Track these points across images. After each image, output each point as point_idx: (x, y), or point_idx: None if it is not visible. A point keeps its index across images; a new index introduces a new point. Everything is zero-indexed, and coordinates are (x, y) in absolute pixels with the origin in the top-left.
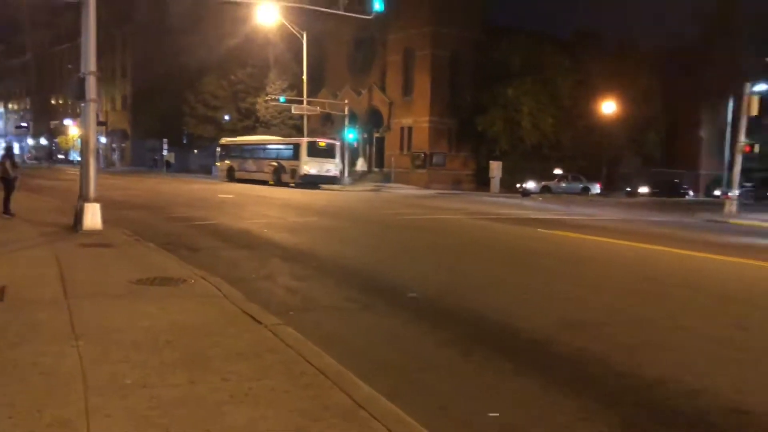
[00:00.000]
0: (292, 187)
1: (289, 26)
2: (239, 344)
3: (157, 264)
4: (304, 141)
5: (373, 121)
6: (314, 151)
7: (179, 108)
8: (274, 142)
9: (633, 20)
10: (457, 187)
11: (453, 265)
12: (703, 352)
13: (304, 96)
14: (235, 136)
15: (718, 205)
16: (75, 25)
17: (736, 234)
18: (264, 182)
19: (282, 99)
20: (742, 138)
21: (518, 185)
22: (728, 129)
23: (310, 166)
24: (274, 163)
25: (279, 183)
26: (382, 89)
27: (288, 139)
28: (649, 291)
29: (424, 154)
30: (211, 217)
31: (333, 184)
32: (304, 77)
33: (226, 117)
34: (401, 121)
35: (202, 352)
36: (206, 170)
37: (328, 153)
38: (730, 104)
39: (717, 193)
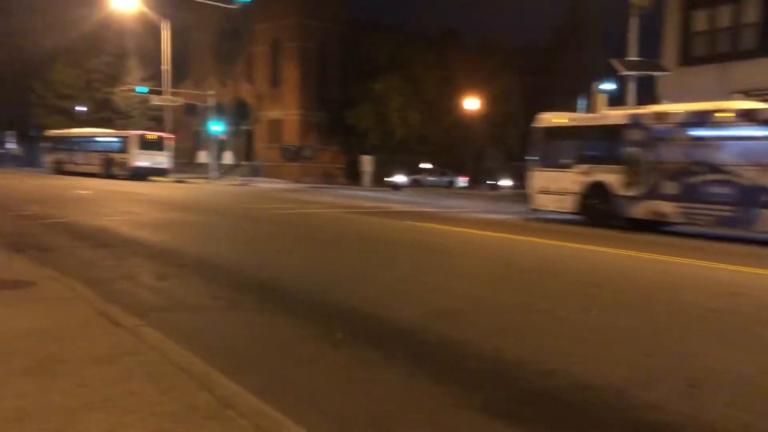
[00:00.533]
0: (121, 179)
1: (149, 13)
2: (96, 348)
3: (3, 266)
4: (134, 134)
5: (240, 113)
6: (144, 144)
7: (25, 97)
8: (103, 135)
9: (494, 20)
10: (329, 181)
11: (323, 258)
12: (557, 334)
13: (167, 86)
14: (90, 127)
15: None
16: None
17: (582, 225)
18: (93, 174)
19: (139, 89)
20: None
21: (387, 179)
22: None
23: (140, 159)
24: (104, 156)
25: (109, 175)
26: (250, 81)
27: (118, 132)
28: (510, 278)
29: (294, 147)
30: (65, 214)
31: (162, 176)
32: (166, 67)
33: (80, 108)
34: (269, 113)
35: (53, 359)
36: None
37: (158, 146)
38: (582, 102)
39: None
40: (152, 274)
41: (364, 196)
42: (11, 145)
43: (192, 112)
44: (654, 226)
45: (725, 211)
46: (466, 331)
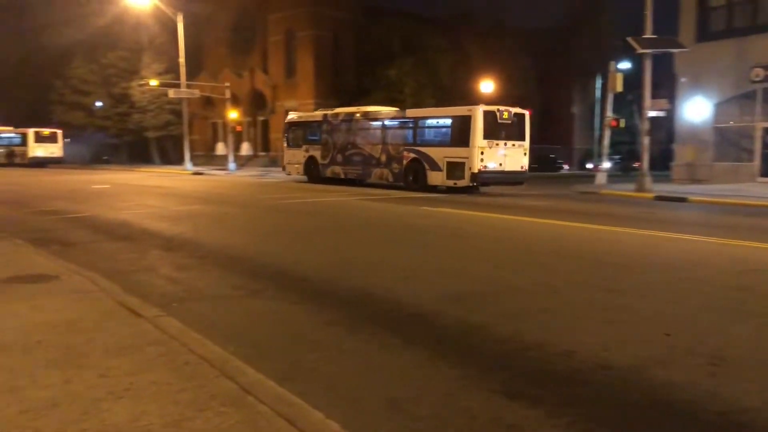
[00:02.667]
0: (21, 166)
1: (162, 7)
2: (118, 339)
3: (26, 261)
4: (30, 131)
5: (256, 103)
6: (40, 139)
7: (45, 94)
8: (6, 132)
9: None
10: None
11: (340, 245)
12: (576, 315)
13: (183, 79)
14: (108, 123)
15: (591, 177)
16: None
17: (605, 203)
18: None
19: (153, 82)
20: (609, 113)
21: None
22: (597, 105)
23: (36, 150)
24: (3, 149)
25: (11, 165)
26: (265, 71)
27: (18, 130)
28: (526, 260)
29: None
30: (85, 209)
31: (59, 163)
32: (181, 60)
33: (98, 103)
34: (285, 103)
35: (77, 350)
36: (78, 160)
37: (52, 139)
38: (598, 82)
39: (589, 166)
40: (172, 265)
41: (379, 183)
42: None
43: (209, 104)
44: (335, 181)
45: (358, 170)
46: (484, 314)
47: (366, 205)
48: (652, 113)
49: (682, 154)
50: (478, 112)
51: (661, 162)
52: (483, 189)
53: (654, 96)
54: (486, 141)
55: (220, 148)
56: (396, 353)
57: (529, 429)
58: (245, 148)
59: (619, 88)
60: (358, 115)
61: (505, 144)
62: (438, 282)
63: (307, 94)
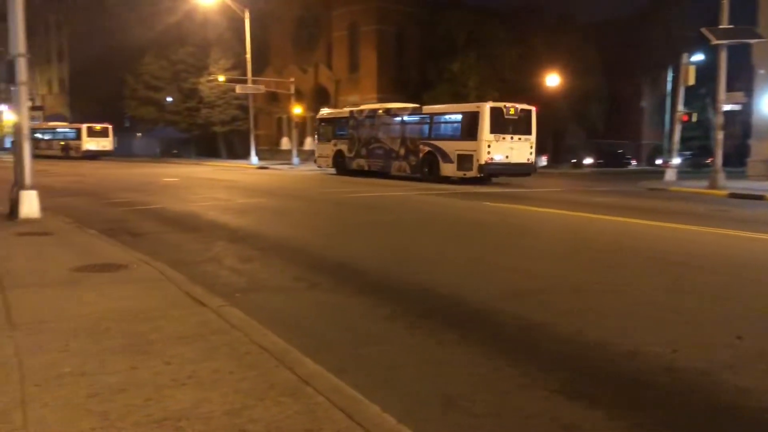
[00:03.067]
0: (76, 159)
1: (230, 4)
2: (182, 327)
3: (99, 250)
4: (84, 126)
5: (320, 98)
6: (92, 133)
7: (119, 90)
8: (61, 127)
9: None
10: None
11: (399, 240)
12: (641, 314)
13: (249, 75)
14: (177, 117)
15: (660, 173)
16: (2, 5)
17: (675, 200)
18: (55, 156)
19: (221, 78)
20: (680, 107)
21: None
22: (668, 99)
23: (89, 144)
24: (62, 143)
25: (68, 157)
26: (328, 66)
27: (72, 125)
28: (590, 258)
29: None
30: (154, 201)
31: (109, 156)
32: (248, 56)
33: (169, 98)
34: (348, 98)
35: (143, 337)
36: (148, 153)
37: (103, 134)
38: (669, 75)
39: (658, 162)
40: (236, 256)
41: (398, 175)
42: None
43: (273, 99)
44: (362, 173)
45: (380, 162)
46: (544, 311)
47: (425, 200)
48: (726, 107)
49: (759, 150)
50: (486, 108)
51: (736, 158)
52: (512, 181)
53: (729, 89)
54: (493, 135)
55: (285, 143)
56: (454, 349)
57: (588, 431)
58: (308, 143)
59: (692, 81)
60: (380, 111)
61: (512, 138)
62: (498, 278)
63: (369, 88)
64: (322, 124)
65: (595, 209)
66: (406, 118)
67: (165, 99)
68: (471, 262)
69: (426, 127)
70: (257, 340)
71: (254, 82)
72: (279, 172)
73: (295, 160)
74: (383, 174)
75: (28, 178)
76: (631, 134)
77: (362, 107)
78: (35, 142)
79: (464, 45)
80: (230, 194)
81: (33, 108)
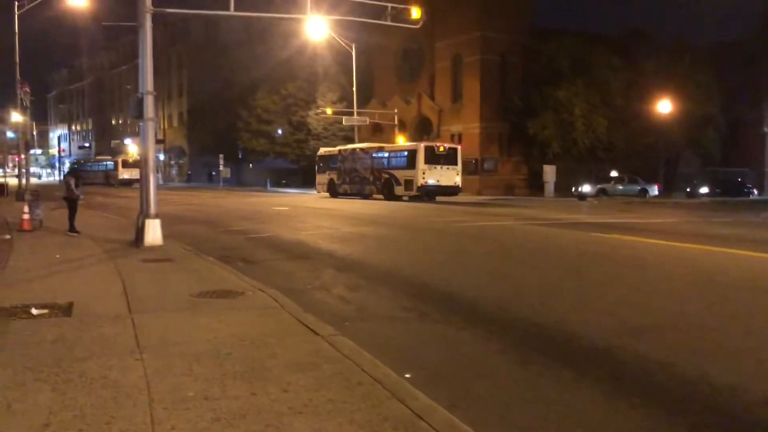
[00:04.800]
0: (113, 186)
1: (338, 39)
2: (297, 355)
3: (216, 277)
4: (120, 159)
5: (422, 128)
6: (126, 165)
7: (233, 123)
8: (104, 160)
9: (684, 16)
10: (510, 193)
11: (508, 271)
12: None
13: (354, 107)
14: (287, 149)
15: None
16: (132, 47)
17: None
18: (98, 183)
19: (328, 111)
20: None
21: (574, 189)
22: None
23: (124, 174)
24: (104, 172)
25: (107, 184)
26: (431, 97)
27: (112, 158)
28: (712, 294)
29: (475, 160)
30: (266, 229)
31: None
32: (354, 88)
33: (279, 131)
34: (451, 127)
35: (261, 363)
36: (260, 184)
37: (136, 165)
38: None
39: None
40: (344, 285)
41: (547, 207)
42: (221, 167)
43: (377, 130)
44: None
45: (357, 187)
46: (666, 351)
47: (530, 230)
48: None
49: None
50: (421, 147)
51: None
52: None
53: None
54: (427, 165)
55: None
56: (570, 387)
57: None
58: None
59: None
60: (358, 149)
61: (442, 167)
62: (614, 314)
63: (472, 117)
64: (320, 159)
65: (715, 241)
66: (374, 154)
67: (275, 131)
68: (583, 295)
69: (386, 160)
70: (369, 370)
71: (359, 114)
72: (382, 203)
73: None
74: (362, 195)
75: (152, 207)
76: (751, 162)
77: (347, 146)
78: (85, 173)
79: (569, 71)
80: (336, 223)
81: (156, 141)
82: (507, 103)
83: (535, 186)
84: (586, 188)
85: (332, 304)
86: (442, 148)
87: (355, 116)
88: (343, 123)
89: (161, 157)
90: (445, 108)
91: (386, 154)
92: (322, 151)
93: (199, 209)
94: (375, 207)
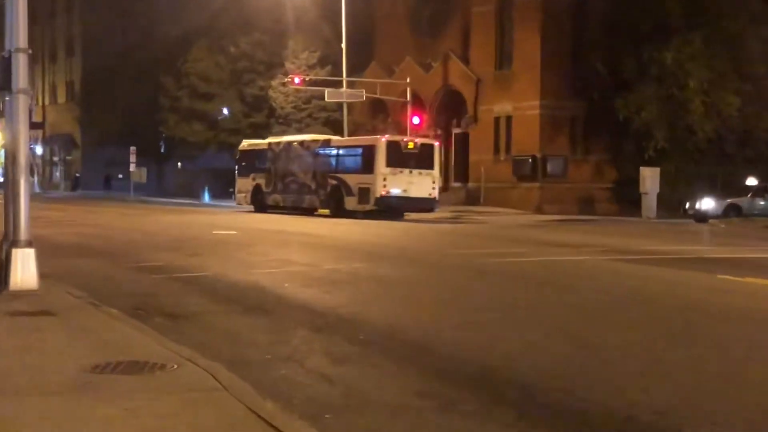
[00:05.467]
0: None
1: None
2: None
3: (122, 340)
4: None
5: (449, 107)
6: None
7: (153, 99)
8: None
9: None
10: (588, 210)
11: (579, 333)
12: None
13: (343, 74)
14: (236, 139)
15: None
16: None
17: None
18: None
19: (300, 80)
20: None
21: (688, 205)
22: None
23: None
24: None
25: None
26: (464, 59)
27: None
28: None
29: (532, 158)
30: (201, 265)
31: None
32: (343, 45)
33: (225, 110)
34: (494, 107)
35: None
36: (193, 193)
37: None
38: None
39: None
40: (324, 353)
41: (646, 232)
42: (132, 167)
43: (379, 110)
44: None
45: (295, 198)
46: None
47: (623, 269)
48: None
49: None
50: (382, 142)
51: None
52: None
53: None
54: (389, 168)
55: None
56: None
57: None
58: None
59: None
60: (295, 143)
61: (411, 172)
62: (754, 403)
63: (528, 92)
64: (243, 156)
65: None
66: (318, 150)
67: (219, 111)
68: (703, 376)
69: (334, 160)
70: None
71: (351, 84)
72: (384, 222)
73: None
74: (300, 209)
75: (23, 229)
76: None
77: (280, 139)
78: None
79: (682, 25)
80: (312, 256)
81: (31, 125)
82: (583, 70)
83: (627, 199)
84: (708, 204)
85: (305, 384)
86: (411, 145)
87: (345, 88)
88: (326, 98)
89: (38, 150)
90: (486, 77)
91: (335, 151)
92: (246, 144)
93: (97, 233)
94: (374, 230)
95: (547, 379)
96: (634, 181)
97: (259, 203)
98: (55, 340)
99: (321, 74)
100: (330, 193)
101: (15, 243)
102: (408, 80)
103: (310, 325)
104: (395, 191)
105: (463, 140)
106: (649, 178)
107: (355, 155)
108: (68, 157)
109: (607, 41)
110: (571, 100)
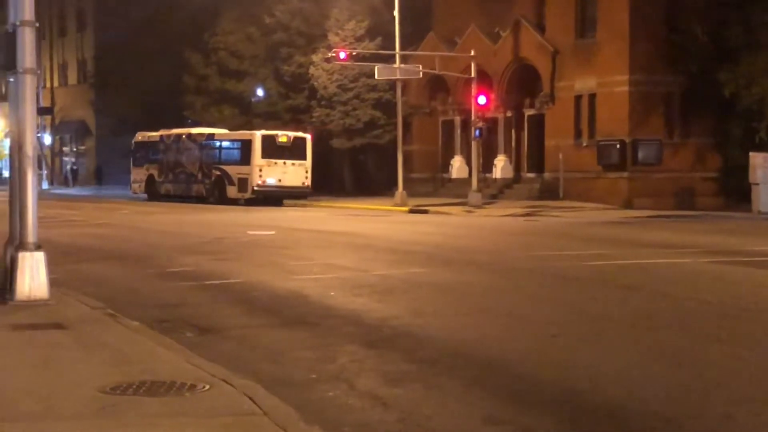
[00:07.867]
0: None
1: None
2: None
3: (145, 357)
4: None
5: (522, 84)
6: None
7: (177, 79)
8: None
9: None
10: (687, 204)
11: (685, 352)
12: None
13: (396, 48)
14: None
15: None
16: None
17: None
18: None
19: (344, 55)
20: None
21: None
22: None
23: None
24: None
25: None
26: (539, 27)
27: None
28: None
29: (620, 143)
30: (234, 271)
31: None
32: (396, 13)
33: (259, 91)
34: (576, 83)
35: None
36: None
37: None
38: None
39: None
40: (377, 373)
41: (757, 231)
42: None
43: (439, 88)
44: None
45: (184, 188)
46: None
47: (719, 273)
48: None
49: None
50: (257, 136)
51: None
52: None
53: None
54: (265, 160)
55: (457, 167)
56: None
57: None
58: (501, 166)
59: None
60: (184, 136)
61: (285, 163)
62: None
63: (616, 65)
64: (138, 147)
65: None
66: (203, 142)
67: (253, 92)
68: None
69: (217, 152)
70: None
71: (405, 59)
72: (446, 220)
73: (473, 196)
74: (187, 197)
75: (30, 230)
76: None
77: (171, 132)
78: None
79: None
80: (362, 260)
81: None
82: (681, 39)
83: (734, 191)
84: None
85: (356, 407)
86: (284, 138)
87: (398, 64)
88: (376, 76)
89: (47, 140)
90: (565, 48)
91: (217, 144)
92: (140, 136)
93: (114, 234)
94: (434, 230)
95: (641, 403)
96: (743, 169)
97: (153, 192)
98: (69, 358)
99: (370, 48)
100: (214, 183)
101: (22, 246)
102: (472, 53)
103: (360, 339)
104: (271, 181)
105: (538, 123)
106: (761, 166)
107: (235, 148)
108: (81, 148)
109: (706, 7)
110: (667, 74)
